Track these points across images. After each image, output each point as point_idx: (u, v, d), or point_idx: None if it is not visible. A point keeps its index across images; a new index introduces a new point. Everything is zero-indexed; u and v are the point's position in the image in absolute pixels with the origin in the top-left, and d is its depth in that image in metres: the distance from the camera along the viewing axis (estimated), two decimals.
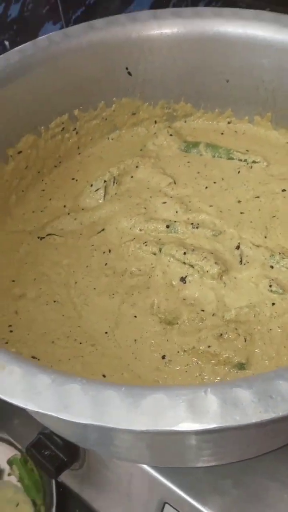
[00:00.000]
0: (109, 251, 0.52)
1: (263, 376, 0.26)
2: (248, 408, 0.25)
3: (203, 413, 0.25)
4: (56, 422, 0.41)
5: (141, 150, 0.63)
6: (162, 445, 0.37)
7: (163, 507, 0.45)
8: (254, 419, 0.24)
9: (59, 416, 0.27)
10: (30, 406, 0.27)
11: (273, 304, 0.45)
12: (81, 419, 0.26)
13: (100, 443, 0.40)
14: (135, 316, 0.46)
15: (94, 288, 0.49)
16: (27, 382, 0.28)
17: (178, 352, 0.43)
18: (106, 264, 0.51)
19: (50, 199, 0.59)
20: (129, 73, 0.61)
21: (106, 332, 0.46)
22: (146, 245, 0.51)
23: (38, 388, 0.28)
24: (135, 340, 0.45)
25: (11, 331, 0.46)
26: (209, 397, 0.26)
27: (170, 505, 0.44)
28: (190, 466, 0.42)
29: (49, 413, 0.27)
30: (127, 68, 0.61)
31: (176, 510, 0.44)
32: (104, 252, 0.52)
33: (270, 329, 0.43)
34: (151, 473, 0.44)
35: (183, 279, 0.48)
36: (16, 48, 0.56)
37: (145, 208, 0.56)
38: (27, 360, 0.30)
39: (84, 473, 0.51)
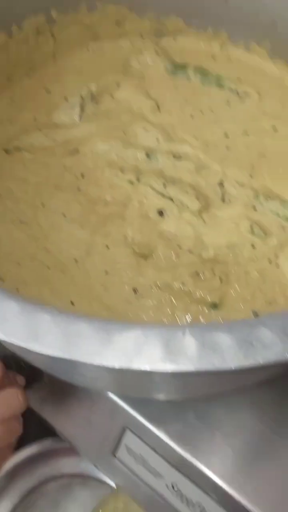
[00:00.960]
0: (82, 176, 0.49)
1: (245, 322, 0.25)
2: (227, 353, 0.24)
3: (180, 354, 0.24)
4: (21, 349, 0.39)
5: (123, 66, 0.58)
6: (131, 381, 0.37)
7: (123, 432, 0.46)
8: (232, 365, 0.24)
9: (26, 347, 0.25)
10: None
11: (253, 247, 0.44)
12: (50, 351, 0.25)
13: (65, 372, 0.40)
14: (108, 247, 0.45)
15: (64, 215, 0.46)
16: None
17: (151, 287, 0.42)
18: (79, 189, 0.48)
19: (20, 110, 0.54)
20: None
21: (75, 260, 0.44)
22: (122, 172, 0.48)
23: (6, 315, 0.26)
24: (106, 271, 0.43)
25: None
26: (187, 339, 0.25)
27: (131, 430, 0.45)
28: (157, 399, 0.43)
29: (17, 342, 0.25)
30: None
31: (136, 435, 0.45)
32: (76, 176, 0.49)
33: (248, 272, 0.43)
34: (113, 399, 0.45)
35: (160, 212, 0.46)
36: None
37: (124, 132, 0.52)
38: None
39: (46, 394, 0.52)
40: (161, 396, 0.41)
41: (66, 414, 0.52)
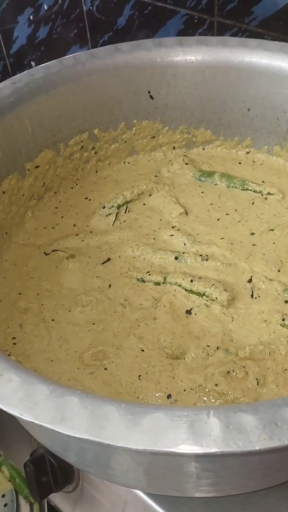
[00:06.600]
0: (109, 286, 0.50)
1: (269, 402, 0.25)
2: (252, 434, 0.24)
3: (204, 436, 0.24)
4: (52, 438, 0.39)
5: (155, 176, 0.63)
6: (160, 470, 0.35)
7: None
8: (257, 446, 0.23)
9: (54, 429, 0.26)
10: (25, 416, 0.26)
11: None
12: (76, 433, 0.25)
13: (96, 464, 0.39)
14: (143, 350, 0.44)
15: (94, 323, 0.47)
16: (25, 391, 0.27)
17: (184, 390, 0.41)
18: (109, 298, 0.49)
19: (62, 217, 0.59)
20: (151, 97, 0.62)
21: (105, 369, 0.43)
22: (149, 274, 0.49)
23: (36, 398, 0.27)
24: (139, 376, 0.42)
25: (14, 343, 0.46)
26: (211, 420, 0.25)
27: None
28: (188, 496, 0.40)
29: (44, 424, 0.26)
30: (149, 92, 0.62)
31: None
32: (105, 286, 0.50)
33: (286, 369, 0.40)
34: (146, 501, 0.42)
35: (189, 312, 0.46)
36: (41, 65, 0.57)
37: (154, 238, 0.54)
38: (26, 370, 0.29)
39: (77, 496, 0.50)
40: (191, 491, 0.38)
41: None
